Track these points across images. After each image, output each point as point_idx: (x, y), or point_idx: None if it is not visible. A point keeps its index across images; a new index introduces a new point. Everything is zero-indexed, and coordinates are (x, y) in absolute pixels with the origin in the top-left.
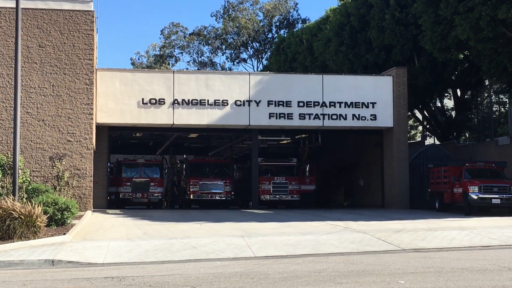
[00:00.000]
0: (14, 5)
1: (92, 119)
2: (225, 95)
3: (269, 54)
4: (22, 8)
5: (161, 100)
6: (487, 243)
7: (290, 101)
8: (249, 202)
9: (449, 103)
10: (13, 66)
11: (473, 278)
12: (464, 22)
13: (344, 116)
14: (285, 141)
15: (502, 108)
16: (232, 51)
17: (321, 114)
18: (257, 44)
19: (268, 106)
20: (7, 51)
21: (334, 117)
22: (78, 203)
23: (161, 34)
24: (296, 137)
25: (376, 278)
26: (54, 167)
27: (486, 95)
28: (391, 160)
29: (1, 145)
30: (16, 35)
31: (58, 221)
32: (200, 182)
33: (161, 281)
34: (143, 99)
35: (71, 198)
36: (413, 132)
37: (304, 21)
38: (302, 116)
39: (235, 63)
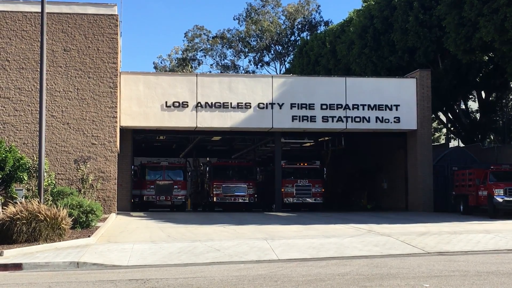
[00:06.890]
0: (39, 10)
1: (116, 122)
2: (248, 98)
3: (292, 57)
4: (47, 13)
5: (184, 103)
6: None
7: (313, 104)
8: (272, 205)
9: (473, 105)
10: (39, 70)
11: (499, 281)
12: (489, 24)
13: (367, 118)
14: (308, 144)
15: None
16: (255, 54)
17: (344, 117)
18: (279, 47)
19: (291, 108)
20: (33, 55)
21: (358, 119)
22: (103, 205)
23: (185, 37)
24: (319, 139)
25: (401, 282)
26: (78, 170)
27: (511, 97)
28: (415, 163)
29: (27, 148)
30: (42, 39)
31: (83, 224)
32: (223, 185)
33: (185, 284)
34: (166, 102)
35: (95, 200)
36: (437, 134)
37: (326, 23)
38: (325, 119)
39: (258, 66)
